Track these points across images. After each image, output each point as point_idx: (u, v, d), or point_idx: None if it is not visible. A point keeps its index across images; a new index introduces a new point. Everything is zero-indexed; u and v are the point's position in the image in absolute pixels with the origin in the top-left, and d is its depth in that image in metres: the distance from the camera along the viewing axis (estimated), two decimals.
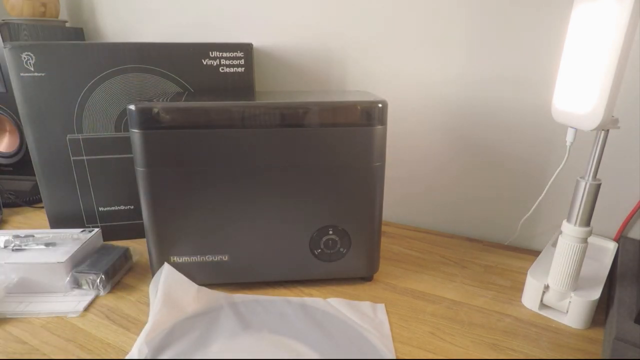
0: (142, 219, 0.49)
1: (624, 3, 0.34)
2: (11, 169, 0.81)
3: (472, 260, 0.61)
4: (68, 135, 0.60)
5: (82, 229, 0.59)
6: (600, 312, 0.47)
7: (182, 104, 0.45)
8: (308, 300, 0.50)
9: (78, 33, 0.88)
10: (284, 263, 0.52)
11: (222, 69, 0.62)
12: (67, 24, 0.89)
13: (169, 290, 0.47)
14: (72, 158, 0.61)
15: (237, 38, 0.76)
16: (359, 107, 0.46)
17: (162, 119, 0.45)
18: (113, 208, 0.65)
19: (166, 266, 0.49)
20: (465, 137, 0.66)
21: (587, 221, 0.43)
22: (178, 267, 0.50)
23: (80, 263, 0.53)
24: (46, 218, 0.64)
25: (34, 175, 0.62)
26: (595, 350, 0.42)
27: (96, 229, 0.59)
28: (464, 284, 0.54)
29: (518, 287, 0.53)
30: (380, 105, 0.46)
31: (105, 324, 0.46)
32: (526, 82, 0.59)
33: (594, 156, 0.42)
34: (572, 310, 0.45)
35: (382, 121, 0.47)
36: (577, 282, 0.46)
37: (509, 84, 0.60)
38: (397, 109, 0.69)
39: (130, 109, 0.45)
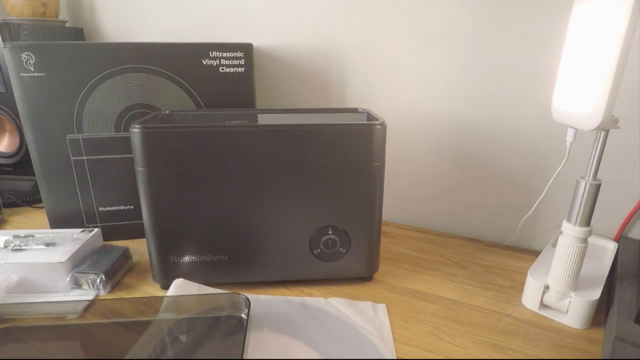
0: (142, 219, 0.49)
1: (624, 3, 0.34)
2: (11, 169, 0.81)
3: (472, 260, 0.61)
4: (68, 135, 0.60)
5: (82, 229, 0.59)
6: (600, 312, 0.47)
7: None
8: (308, 299, 0.50)
9: (78, 33, 0.88)
10: (283, 263, 0.52)
11: (222, 69, 0.62)
12: (67, 24, 0.89)
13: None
14: (72, 158, 0.61)
15: (237, 38, 0.76)
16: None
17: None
18: (113, 208, 0.65)
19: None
20: (466, 138, 0.65)
21: (587, 221, 0.43)
22: (178, 266, 0.50)
23: (81, 263, 0.53)
24: (46, 218, 0.64)
25: (34, 175, 0.62)
26: (595, 350, 0.42)
27: (96, 229, 0.59)
28: (464, 284, 0.54)
29: (518, 287, 0.53)
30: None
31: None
32: (524, 84, 0.59)
33: (594, 156, 0.42)
34: (572, 310, 0.45)
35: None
36: (577, 282, 0.46)
37: (509, 86, 0.60)
38: (397, 110, 0.69)
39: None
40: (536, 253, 0.58)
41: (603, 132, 0.41)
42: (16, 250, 0.53)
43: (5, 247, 0.53)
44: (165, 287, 0.51)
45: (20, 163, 0.80)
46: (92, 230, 0.58)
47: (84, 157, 0.62)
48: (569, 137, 0.45)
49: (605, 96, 0.36)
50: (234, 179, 0.47)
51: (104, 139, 0.61)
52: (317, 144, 0.47)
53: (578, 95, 0.40)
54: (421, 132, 0.68)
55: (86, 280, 0.51)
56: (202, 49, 0.61)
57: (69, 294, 0.51)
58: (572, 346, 0.43)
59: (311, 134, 0.46)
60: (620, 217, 0.58)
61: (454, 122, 0.66)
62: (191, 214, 0.48)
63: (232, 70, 0.62)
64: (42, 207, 0.71)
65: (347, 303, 0.49)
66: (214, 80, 0.62)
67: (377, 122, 0.47)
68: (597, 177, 0.42)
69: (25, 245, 0.54)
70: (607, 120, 0.37)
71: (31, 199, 0.79)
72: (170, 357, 0.41)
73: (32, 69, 0.57)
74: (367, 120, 0.53)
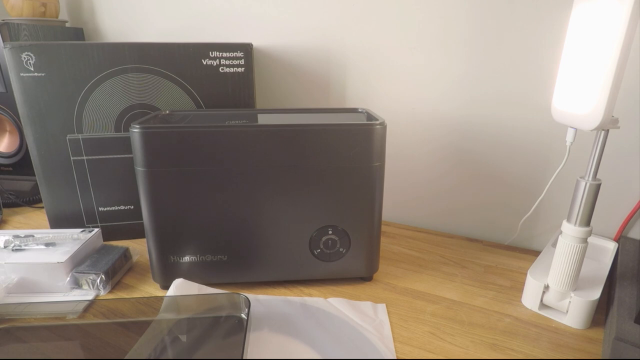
0: (142, 219, 0.49)
1: (624, 3, 0.34)
2: (11, 169, 0.81)
3: (472, 260, 0.61)
4: (68, 135, 0.60)
5: (82, 229, 0.59)
6: (600, 312, 0.47)
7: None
8: (308, 299, 0.50)
9: (78, 33, 0.88)
10: (283, 263, 0.52)
11: (222, 69, 0.62)
12: (67, 24, 0.89)
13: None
14: (72, 158, 0.61)
15: (237, 38, 0.76)
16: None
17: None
18: (113, 208, 0.65)
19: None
20: (466, 138, 0.66)
21: (587, 221, 0.43)
22: (178, 266, 0.50)
23: (80, 263, 0.53)
24: (46, 218, 0.64)
25: (34, 175, 0.62)
26: (595, 350, 0.42)
27: (96, 229, 0.59)
28: (464, 284, 0.54)
29: (518, 287, 0.53)
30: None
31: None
32: (524, 84, 0.59)
33: (594, 156, 0.42)
34: (572, 310, 0.45)
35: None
36: (577, 282, 0.46)
37: (509, 86, 0.60)
38: (397, 110, 0.69)
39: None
40: (536, 253, 0.58)
41: (603, 132, 0.41)
42: (16, 250, 0.53)
43: (5, 247, 0.53)
44: (165, 287, 0.51)
45: (20, 163, 0.80)
46: (92, 230, 0.58)
47: (84, 157, 0.62)
48: (569, 137, 0.45)
49: (605, 96, 0.36)
50: (233, 179, 0.47)
51: (104, 139, 0.61)
52: (317, 144, 0.47)
53: (578, 95, 0.40)
54: (421, 132, 0.68)
55: (86, 280, 0.51)
56: (202, 49, 0.61)
57: (69, 294, 0.51)
58: (572, 346, 0.43)
59: (311, 134, 0.46)
60: (620, 217, 0.58)
61: (454, 122, 0.66)
62: (191, 214, 0.48)
63: (232, 70, 0.63)
64: (42, 207, 0.71)
65: (347, 303, 0.49)
66: (214, 80, 0.62)
67: (377, 122, 0.47)
68: (597, 177, 0.42)
69: (25, 245, 0.54)
70: (607, 120, 0.37)
71: (31, 199, 0.79)
72: (170, 357, 0.41)
73: (32, 69, 0.57)
74: (367, 120, 0.52)
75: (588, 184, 0.42)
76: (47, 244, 0.54)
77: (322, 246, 0.51)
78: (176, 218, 0.49)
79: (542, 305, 0.48)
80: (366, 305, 0.49)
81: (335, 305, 0.49)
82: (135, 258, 0.59)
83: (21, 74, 0.57)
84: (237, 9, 0.75)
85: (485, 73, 0.61)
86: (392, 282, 0.55)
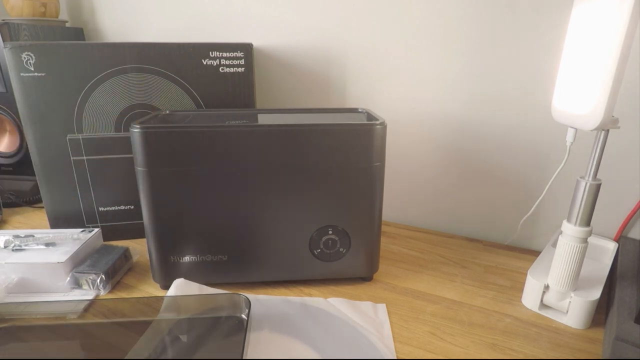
0: (142, 219, 0.49)
1: (624, 3, 0.34)
2: (11, 169, 0.81)
3: (472, 260, 0.61)
4: (68, 135, 0.60)
5: (82, 229, 0.59)
6: (600, 312, 0.47)
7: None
8: (308, 299, 0.50)
9: (78, 33, 0.88)
10: (283, 263, 0.52)
11: (222, 69, 0.62)
12: (67, 24, 0.89)
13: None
14: (72, 158, 0.61)
15: (237, 38, 0.76)
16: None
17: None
18: (113, 208, 0.65)
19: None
20: (466, 137, 0.66)
21: (587, 221, 0.43)
22: (178, 266, 0.50)
23: (81, 263, 0.53)
24: (46, 218, 0.64)
25: (34, 175, 0.62)
26: (595, 350, 0.42)
27: (96, 229, 0.59)
28: (464, 284, 0.54)
29: (518, 287, 0.53)
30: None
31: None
32: (524, 84, 0.59)
33: (594, 156, 0.42)
34: (572, 310, 0.45)
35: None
36: (577, 282, 0.46)
37: (509, 86, 0.60)
38: (397, 110, 0.69)
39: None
40: (536, 253, 0.58)
41: (603, 132, 0.41)
42: (16, 250, 0.53)
43: (5, 247, 0.53)
44: (165, 287, 0.51)
45: (20, 163, 0.80)
46: (92, 230, 0.58)
47: (84, 157, 0.62)
48: (569, 137, 0.45)
49: (605, 96, 0.36)
50: (233, 179, 0.47)
51: (104, 139, 0.61)
52: (317, 144, 0.47)
53: (578, 95, 0.40)
54: (421, 132, 0.68)
55: (86, 280, 0.51)
56: (202, 49, 0.61)
57: (69, 294, 0.51)
58: (572, 346, 0.43)
59: (311, 134, 0.46)
60: (620, 217, 0.58)
61: (454, 121, 0.66)
62: (191, 214, 0.48)
63: (232, 70, 0.62)
64: (42, 207, 0.71)
65: (347, 303, 0.49)
66: (214, 80, 0.62)
67: (377, 122, 0.47)
68: (597, 177, 0.42)
69: (25, 245, 0.54)
70: (607, 120, 0.37)
71: (31, 199, 0.79)
72: (170, 357, 0.41)
73: (32, 69, 0.57)
74: (367, 120, 0.52)
75: (588, 184, 0.42)
76: (47, 244, 0.54)
77: (322, 246, 0.51)
78: (176, 218, 0.49)
79: (542, 305, 0.48)
80: (366, 305, 0.49)
81: (335, 305, 0.49)
82: (135, 258, 0.59)
83: (21, 74, 0.57)
84: (237, 9, 0.75)
85: (485, 73, 0.61)
86: (392, 282, 0.55)
